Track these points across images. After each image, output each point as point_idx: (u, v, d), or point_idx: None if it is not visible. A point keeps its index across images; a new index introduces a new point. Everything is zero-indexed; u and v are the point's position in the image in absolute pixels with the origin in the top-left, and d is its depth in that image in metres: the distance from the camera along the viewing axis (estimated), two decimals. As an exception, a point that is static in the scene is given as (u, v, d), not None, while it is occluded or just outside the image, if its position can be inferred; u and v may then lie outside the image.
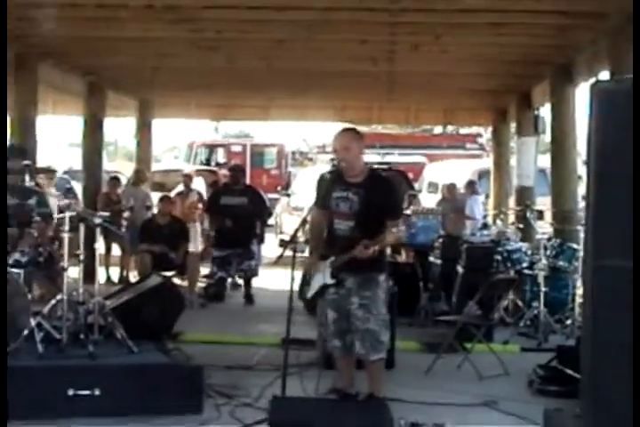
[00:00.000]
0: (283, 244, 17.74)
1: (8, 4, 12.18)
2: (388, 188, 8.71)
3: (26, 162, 10.55)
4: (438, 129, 39.43)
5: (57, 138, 29.76)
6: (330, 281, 8.34)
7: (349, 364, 8.75)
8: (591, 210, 4.98)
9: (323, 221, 8.79)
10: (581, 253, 12.79)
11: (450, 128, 37.85)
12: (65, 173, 27.40)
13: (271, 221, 20.10)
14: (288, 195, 26.46)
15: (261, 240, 17.05)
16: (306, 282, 8.97)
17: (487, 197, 22.71)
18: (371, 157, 24.30)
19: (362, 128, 29.60)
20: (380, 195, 8.40)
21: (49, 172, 13.56)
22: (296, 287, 8.44)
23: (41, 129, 16.50)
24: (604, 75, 13.11)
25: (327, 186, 8.58)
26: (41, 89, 16.45)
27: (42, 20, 11.89)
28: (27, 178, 10.46)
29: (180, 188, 20.17)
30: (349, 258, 8.18)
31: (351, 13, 12.58)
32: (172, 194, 19.72)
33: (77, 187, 22.19)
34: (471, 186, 20.73)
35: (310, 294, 8.63)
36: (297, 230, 8.67)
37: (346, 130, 9.00)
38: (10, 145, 13.81)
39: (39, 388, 8.20)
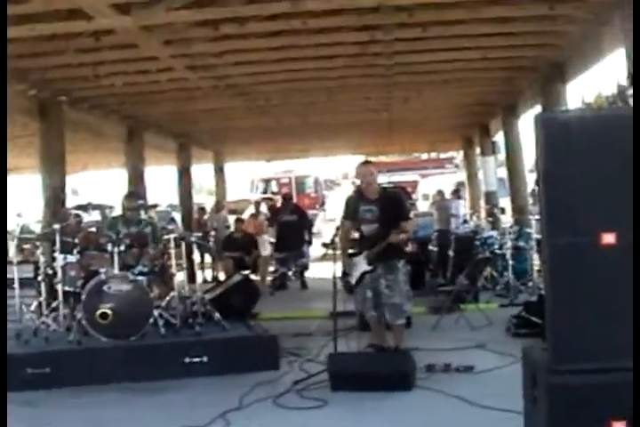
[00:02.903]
0: (324, 245, 17.79)
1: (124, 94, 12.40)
2: (396, 199, 8.72)
3: (140, 202, 10.57)
4: (425, 155, 39.26)
5: (160, 182, 29.90)
6: (368, 268, 8.29)
7: (381, 327, 8.70)
8: (543, 204, 4.95)
9: (350, 230, 8.80)
10: (535, 235, 12.80)
11: (433, 154, 37.71)
12: (168, 206, 27.53)
13: (314, 229, 20.05)
14: (324, 210, 26.46)
15: (310, 243, 17.07)
16: (345, 273, 8.92)
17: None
18: (380, 178, 24.18)
19: (371, 158, 29.59)
20: (391, 205, 8.40)
21: (155, 207, 13.51)
22: (337, 275, 8.41)
23: (148, 177, 16.60)
24: (538, 109, 13.12)
25: (355, 203, 8.57)
26: (146, 149, 16.54)
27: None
28: (142, 213, 10.47)
29: (252, 211, 20.29)
30: (386, 244, 8.14)
31: (358, 79, 12.69)
32: (246, 215, 19.80)
33: (177, 216, 22.25)
34: (457, 193, 20.63)
35: (354, 280, 8.56)
36: (334, 235, 8.67)
37: (367, 162, 9.00)
38: (128, 190, 13.88)
39: (164, 358, 8.26)
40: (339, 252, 8.74)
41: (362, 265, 8.36)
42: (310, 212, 21.21)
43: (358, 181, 8.99)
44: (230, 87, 12.71)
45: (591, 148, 4.80)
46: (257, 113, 15.46)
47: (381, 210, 8.35)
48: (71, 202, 14.79)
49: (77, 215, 13.85)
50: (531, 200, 16.26)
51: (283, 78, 12.28)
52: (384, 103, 15.44)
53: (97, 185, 39.28)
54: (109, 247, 9.13)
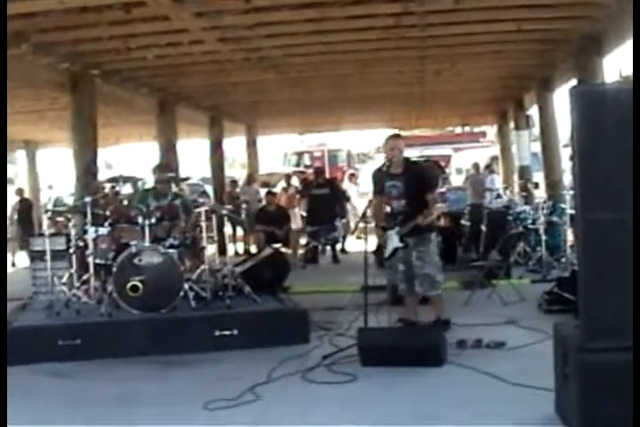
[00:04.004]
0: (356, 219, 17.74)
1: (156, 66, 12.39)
2: (420, 172, 8.58)
3: (170, 174, 10.54)
4: (458, 129, 38.95)
5: (193, 155, 30.02)
6: (400, 245, 8.21)
7: (414, 300, 8.64)
8: (578, 179, 4.88)
9: (382, 205, 8.71)
10: (568, 211, 12.65)
11: (466, 128, 37.40)
12: (200, 179, 27.58)
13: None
14: (357, 184, 26.36)
15: (342, 217, 17.04)
16: (379, 247, 8.88)
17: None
18: (413, 152, 24.06)
19: (404, 132, 29.52)
20: (416, 178, 8.29)
21: (186, 179, 13.52)
22: (370, 249, 8.36)
23: (181, 150, 16.62)
24: (573, 82, 12.92)
25: (381, 178, 8.48)
26: (178, 122, 16.53)
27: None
28: (172, 186, 10.45)
29: (284, 184, 20.26)
30: (414, 225, 8.07)
31: (391, 52, 12.53)
32: (278, 189, 19.79)
33: (209, 189, 22.27)
34: (489, 167, 20.44)
35: (387, 255, 8.48)
36: (366, 209, 8.57)
37: (396, 136, 8.82)
38: (159, 162, 13.86)
39: (194, 331, 8.28)
40: (370, 225, 8.69)
41: (394, 241, 8.29)
42: (343, 185, 21.22)
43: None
44: (262, 60, 12.62)
45: (627, 121, 4.70)
46: (289, 86, 15.37)
47: (406, 185, 8.26)
48: (105, 175, 14.84)
49: (113, 187, 13.93)
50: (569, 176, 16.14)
51: (315, 51, 12.17)
52: (417, 76, 15.30)
53: (131, 158, 39.46)
54: (140, 220, 9.14)
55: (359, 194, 23.34)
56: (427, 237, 8.34)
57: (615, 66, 18.14)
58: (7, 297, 9.91)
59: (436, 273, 8.45)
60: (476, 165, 19.86)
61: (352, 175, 24.02)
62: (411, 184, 8.22)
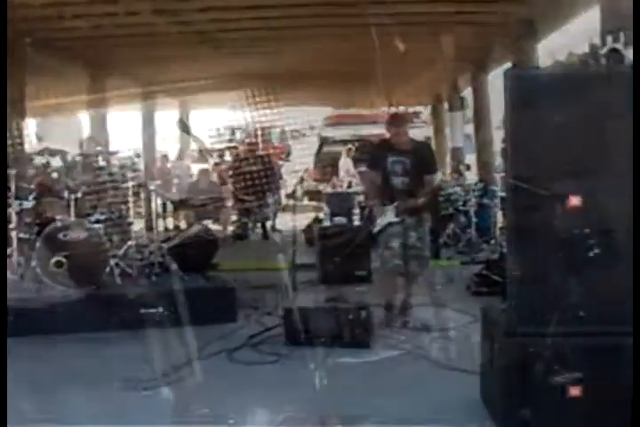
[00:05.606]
0: (287, 196, 17.70)
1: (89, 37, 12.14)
2: (427, 151, 8.52)
3: (98, 148, 10.38)
4: (393, 109, 39.04)
5: (124, 128, 29.62)
6: (395, 220, 8.00)
7: (399, 279, 8.36)
8: (509, 161, 4.91)
9: (376, 180, 8.38)
10: (499, 193, 12.70)
11: (401, 108, 37.55)
12: (131, 153, 27.21)
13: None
14: (289, 161, 26.38)
15: (274, 194, 16.95)
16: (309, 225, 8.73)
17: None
18: (346, 131, 24.04)
19: (342, 111, 29.52)
20: (423, 156, 8.15)
21: (115, 153, 13.29)
22: (299, 227, 8.24)
23: (112, 123, 16.32)
24: (508, 65, 13.01)
25: (381, 154, 8.23)
26: (110, 95, 16.24)
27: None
28: (100, 159, 10.25)
29: (216, 159, 20.09)
30: (414, 204, 7.97)
31: (327, 29, 12.52)
32: (210, 164, 19.61)
33: (140, 163, 21.92)
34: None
35: (377, 229, 8.22)
36: (295, 186, 8.47)
37: (396, 120, 8.47)
38: (86, 137, 13.64)
39: (119, 308, 8.10)
40: (300, 203, 8.57)
41: (389, 216, 8.08)
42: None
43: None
44: (196, 34, 12.43)
45: (561, 106, 4.69)
46: (223, 60, 15.19)
47: (413, 163, 8.05)
48: (35, 147, 14.52)
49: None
50: (500, 159, 16.25)
51: (249, 26, 12.04)
52: (352, 55, 15.23)
53: (62, 131, 38.86)
54: (66, 194, 8.93)
55: (289, 171, 23.29)
56: (424, 217, 8.23)
57: (549, 51, 18.29)
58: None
59: (429, 254, 8.48)
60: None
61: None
62: (417, 163, 8.05)
